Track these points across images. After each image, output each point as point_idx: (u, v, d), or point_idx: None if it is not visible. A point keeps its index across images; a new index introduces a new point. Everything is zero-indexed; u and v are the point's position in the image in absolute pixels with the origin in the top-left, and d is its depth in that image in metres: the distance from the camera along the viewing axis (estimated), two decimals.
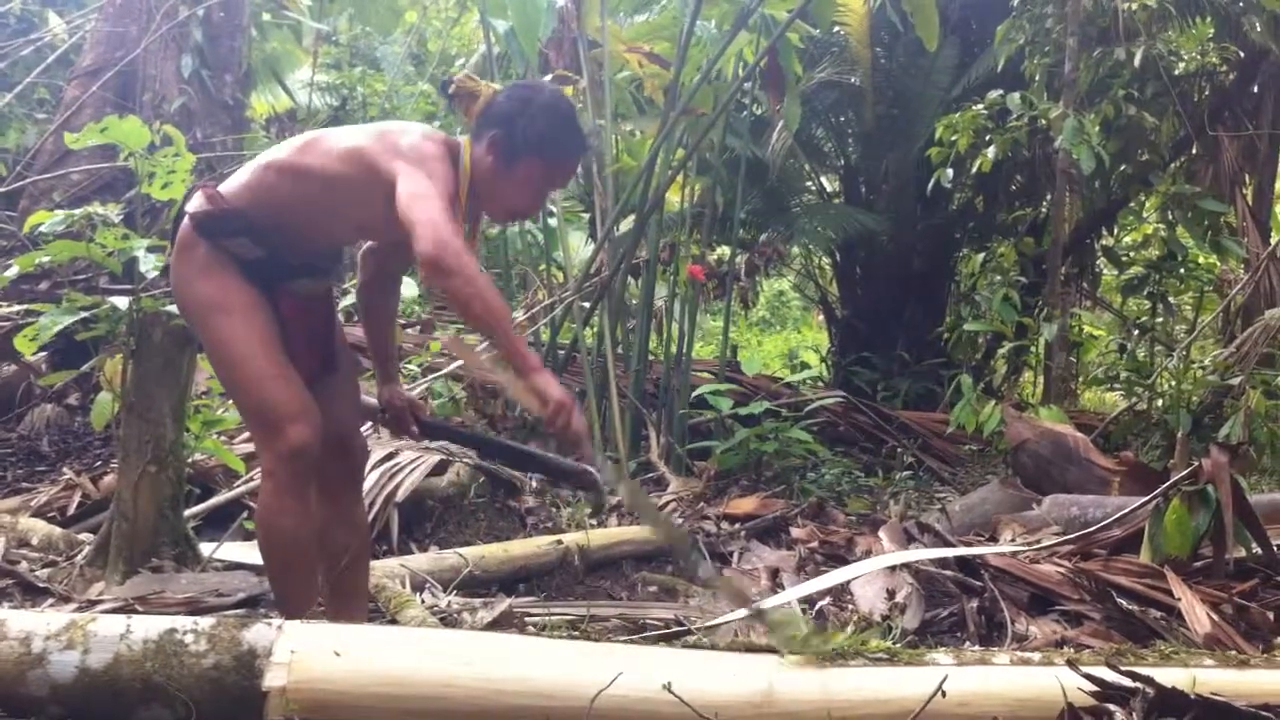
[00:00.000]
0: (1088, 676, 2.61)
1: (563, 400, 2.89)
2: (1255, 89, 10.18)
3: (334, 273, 3.46)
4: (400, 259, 3.59)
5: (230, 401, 3.59)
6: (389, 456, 5.16)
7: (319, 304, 3.36)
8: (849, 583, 4.43)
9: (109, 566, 3.95)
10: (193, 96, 7.81)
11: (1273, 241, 9.41)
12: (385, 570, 4.12)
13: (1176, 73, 9.05)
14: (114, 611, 3.05)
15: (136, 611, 3.15)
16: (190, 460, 4.53)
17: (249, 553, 4.34)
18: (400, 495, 4.95)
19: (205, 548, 4.27)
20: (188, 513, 4.42)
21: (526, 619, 3.91)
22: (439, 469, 5.48)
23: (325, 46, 9.96)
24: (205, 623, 2.60)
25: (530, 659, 2.64)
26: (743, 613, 3.95)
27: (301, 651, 2.51)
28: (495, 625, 3.65)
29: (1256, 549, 4.47)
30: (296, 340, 3.23)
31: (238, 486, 4.99)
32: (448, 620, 3.84)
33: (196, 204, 3.16)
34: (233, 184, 3.21)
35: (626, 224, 7.43)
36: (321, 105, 9.80)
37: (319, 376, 3.28)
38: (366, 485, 4.83)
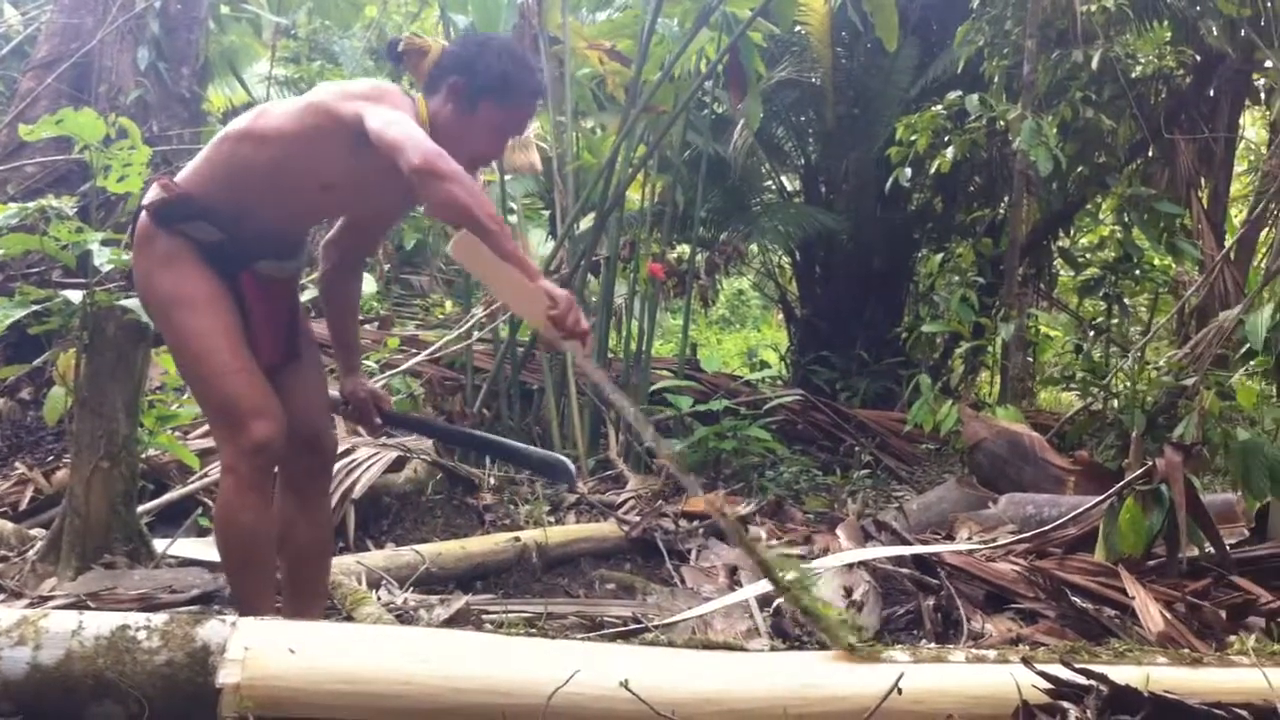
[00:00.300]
0: (1042, 674, 2.62)
1: (570, 297, 2.88)
2: (1211, 92, 10.30)
3: (298, 258, 3.40)
4: (361, 246, 3.58)
5: (189, 396, 3.54)
6: (346, 452, 5.13)
7: (282, 290, 3.32)
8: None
9: (61, 562, 3.90)
10: (149, 89, 7.74)
11: (1227, 244, 9.50)
12: (342, 567, 4.09)
13: (1134, 75, 9.13)
14: (66, 607, 3.02)
15: (89, 608, 3.12)
16: (144, 456, 4.49)
17: (203, 549, 4.31)
18: (357, 491, 4.93)
19: (159, 544, 4.23)
20: (141, 509, 4.37)
21: (484, 616, 3.90)
22: (396, 465, 5.46)
23: (284, 40, 9.89)
24: (158, 619, 2.57)
25: (487, 656, 2.63)
26: (700, 610, 3.96)
27: (255, 648, 2.48)
28: (452, 622, 3.63)
29: (1209, 548, 4.51)
30: (260, 328, 3.19)
31: (192, 482, 4.95)
32: (404, 618, 3.82)
33: (152, 195, 3.13)
34: (186, 171, 3.18)
35: (587, 221, 7.42)
36: (279, 98, 9.74)
37: (282, 367, 3.25)
38: None
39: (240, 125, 3.15)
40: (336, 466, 4.94)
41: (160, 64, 7.81)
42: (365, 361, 6.55)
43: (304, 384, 3.34)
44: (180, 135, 7.85)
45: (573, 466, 3.62)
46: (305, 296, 4.85)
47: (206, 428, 5.67)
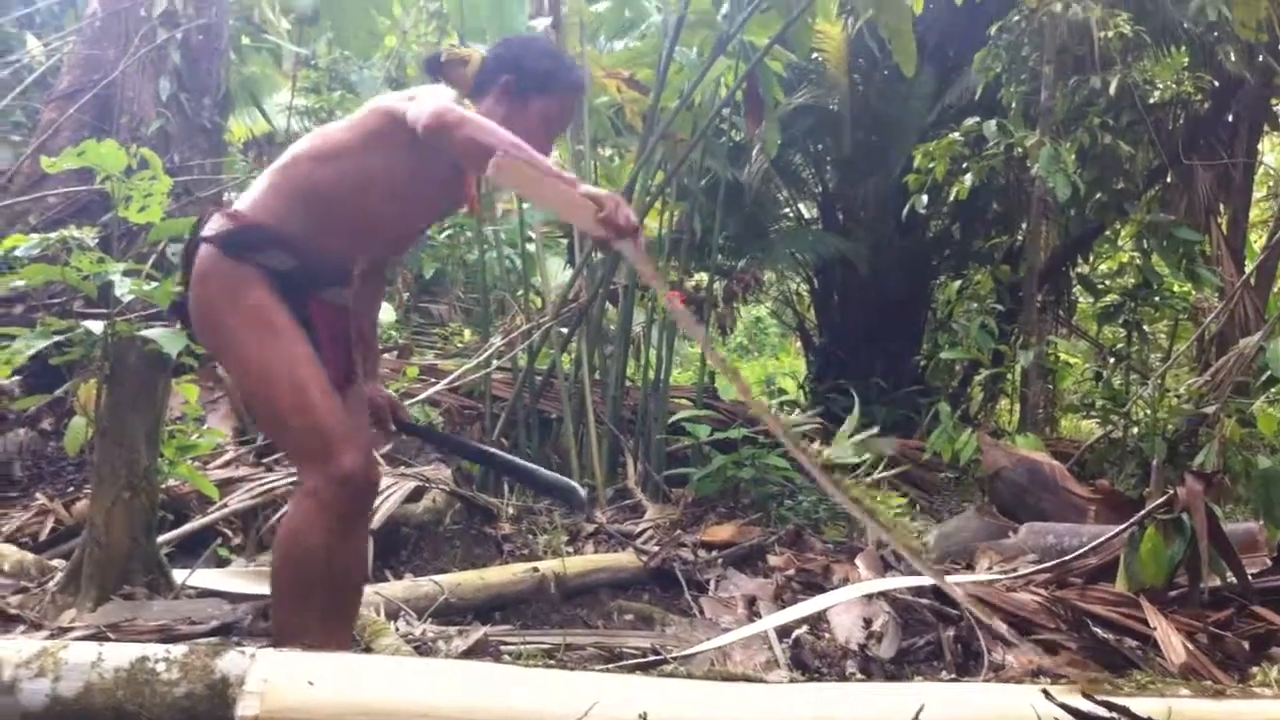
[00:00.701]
0: (1063, 706, 2.60)
1: (616, 197, 2.88)
2: (1230, 118, 10.29)
3: (352, 285, 3.40)
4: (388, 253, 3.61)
5: (208, 426, 3.49)
6: None
7: (344, 315, 3.32)
8: (826, 611, 4.42)
9: (81, 593, 3.90)
10: (170, 120, 7.79)
11: (1247, 270, 9.48)
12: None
13: (1151, 101, 9.13)
14: (86, 639, 3.03)
15: (108, 639, 3.11)
16: (164, 486, 4.50)
17: (222, 580, 4.31)
18: (375, 522, 4.91)
19: (178, 575, 4.23)
20: (161, 539, 4.37)
21: (502, 647, 3.89)
22: (415, 495, 5.46)
23: (304, 70, 9.95)
24: (178, 651, 2.57)
25: (506, 688, 2.62)
26: (718, 642, 3.95)
27: (274, 680, 2.48)
28: (470, 654, 3.63)
29: (1231, 578, 4.48)
30: (327, 353, 3.18)
31: (212, 513, 4.96)
32: (423, 649, 3.82)
33: (216, 226, 3.10)
34: (249, 201, 3.16)
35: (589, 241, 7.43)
36: (300, 128, 9.79)
37: (342, 389, 3.23)
38: None
39: (302, 148, 3.17)
40: None
41: (182, 94, 7.86)
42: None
43: (357, 412, 3.33)
44: (202, 166, 7.89)
45: (584, 492, 3.61)
46: None
47: (227, 458, 5.72)
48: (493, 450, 4.17)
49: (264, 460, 5.79)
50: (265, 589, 4.22)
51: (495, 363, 7.12)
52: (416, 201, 3.26)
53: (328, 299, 3.22)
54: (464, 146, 2.85)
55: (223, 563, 4.67)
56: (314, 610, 3.02)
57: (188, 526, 4.88)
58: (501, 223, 7.79)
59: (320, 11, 8.71)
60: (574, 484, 3.69)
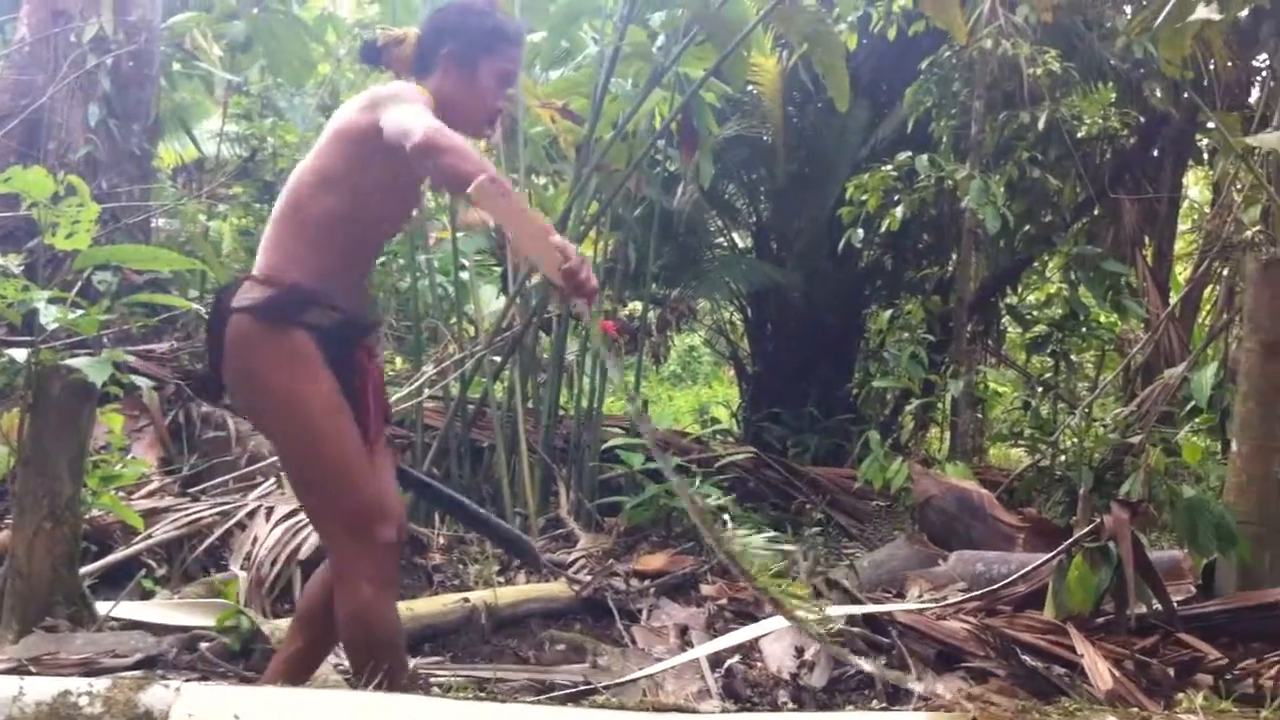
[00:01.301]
0: None
1: (583, 256, 2.84)
2: (1155, 153, 10.50)
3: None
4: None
5: (132, 456, 3.39)
6: (292, 513, 5.07)
7: (378, 359, 3.29)
8: (758, 640, 4.43)
9: (2, 625, 3.83)
10: (99, 146, 7.69)
11: (1172, 302, 9.65)
12: (288, 630, 4.04)
13: (1079, 136, 9.28)
14: (6, 673, 2.96)
15: (30, 673, 3.06)
16: (87, 516, 4.42)
17: (147, 612, 4.24)
18: (304, 553, 4.85)
19: (102, 607, 4.16)
20: (84, 570, 4.30)
21: (431, 679, 3.86)
22: None
23: (236, 97, 9.87)
24: (100, 684, 2.52)
25: None
26: (651, 671, 3.94)
27: (199, 714, 2.44)
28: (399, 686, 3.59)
29: (1157, 605, 4.54)
30: (373, 406, 3.15)
31: (136, 543, 4.88)
32: (352, 681, 3.78)
33: (254, 295, 2.99)
34: (272, 260, 3.06)
35: (538, 278, 7.42)
36: (230, 156, 9.72)
37: (377, 441, 3.18)
38: (269, 543, 4.77)
39: (299, 189, 3.09)
40: (282, 528, 4.92)
41: (111, 120, 7.76)
42: None
43: (385, 463, 3.26)
44: (130, 192, 7.79)
45: (537, 550, 3.61)
46: None
47: (152, 488, 5.64)
48: (459, 498, 4.13)
49: (189, 491, 5.72)
50: (190, 620, 4.18)
51: (427, 391, 7.08)
52: (397, 208, 3.26)
53: (369, 345, 3.19)
54: (450, 172, 2.79)
55: (147, 595, 4.59)
56: (400, 676, 3.04)
57: (111, 557, 4.81)
58: (434, 251, 7.76)
59: (253, 38, 8.64)
60: (528, 539, 3.69)
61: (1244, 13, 8.74)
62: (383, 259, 7.93)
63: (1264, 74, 9.37)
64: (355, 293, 3.18)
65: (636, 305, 10.08)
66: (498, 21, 3.28)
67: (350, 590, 2.98)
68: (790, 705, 3.95)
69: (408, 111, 2.89)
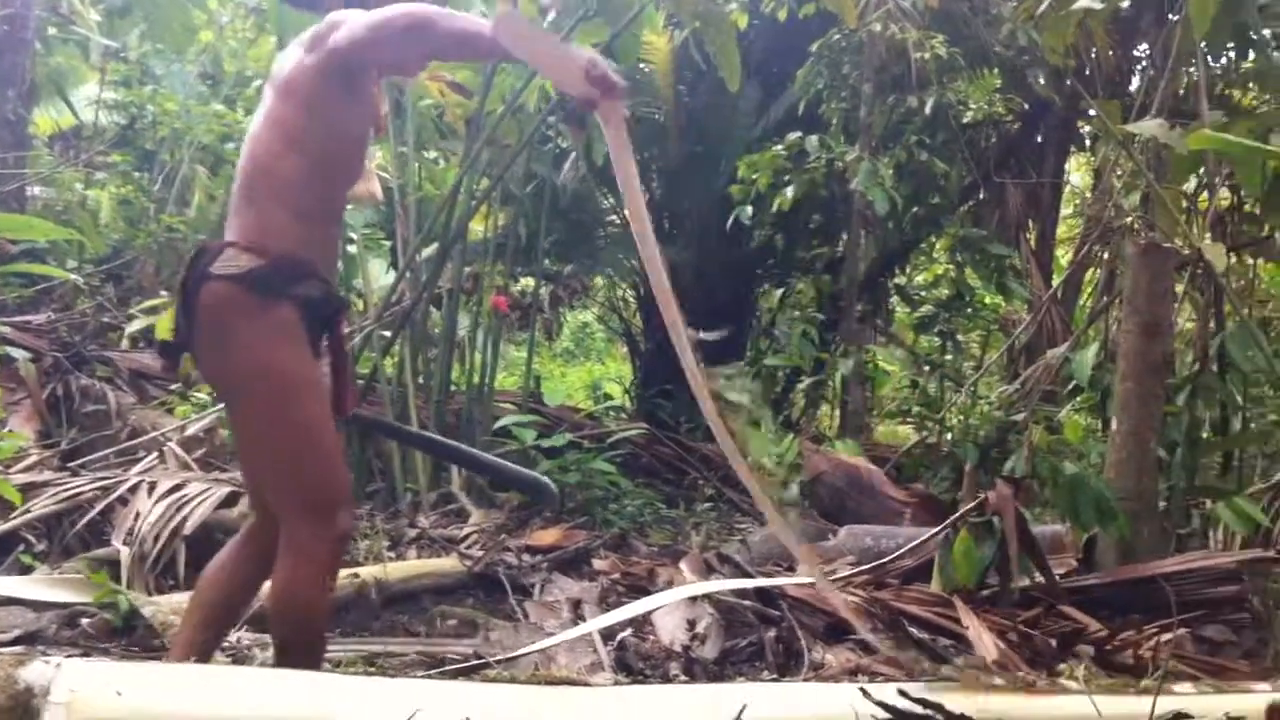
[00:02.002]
0: (880, 704, 2.66)
1: (595, 55, 2.81)
2: (1039, 139, 10.70)
3: None
4: None
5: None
6: (176, 488, 4.98)
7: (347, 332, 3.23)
8: (650, 614, 4.45)
9: None
10: None
11: (1054, 284, 9.85)
12: (172, 606, 3.96)
13: (965, 121, 9.43)
14: None
15: None
16: None
17: (26, 588, 4.13)
18: (188, 528, 4.76)
19: None
20: None
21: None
22: (229, 501, 5.29)
23: (114, 64, 9.61)
24: None
25: (324, 697, 2.56)
26: (543, 645, 3.93)
27: (81, 691, 2.38)
28: None
29: (1040, 578, 4.65)
30: (346, 381, 3.11)
31: (14, 518, 4.74)
32: (238, 658, 3.72)
33: (241, 263, 2.87)
34: (253, 230, 2.94)
35: (429, 252, 7.35)
36: (109, 123, 9.46)
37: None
38: (152, 518, 4.67)
39: (263, 153, 2.98)
40: (166, 503, 4.81)
41: None
42: (203, 395, 6.41)
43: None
44: (4, 159, 7.57)
45: (553, 488, 3.57)
46: None
47: (30, 461, 5.49)
48: (463, 448, 4.04)
49: (69, 465, 5.58)
50: (71, 596, 4.08)
51: None
52: (356, 156, 3.16)
53: (345, 318, 3.14)
54: (454, 37, 2.79)
55: (26, 570, 4.46)
56: (318, 657, 3.00)
57: None
58: None
59: (132, 3, 8.41)
60: (543, 479, 3.63)
61: (1125, 2, 8.97)
62: None
63: (1144, 63, 9.59)
64: (333, 263, 3.13)
65: (529, 281, 10.04)
66: None
67: (293, 569, 2.90)
68: (682, 677, 3.97)
69: (358, 23, 2.82)
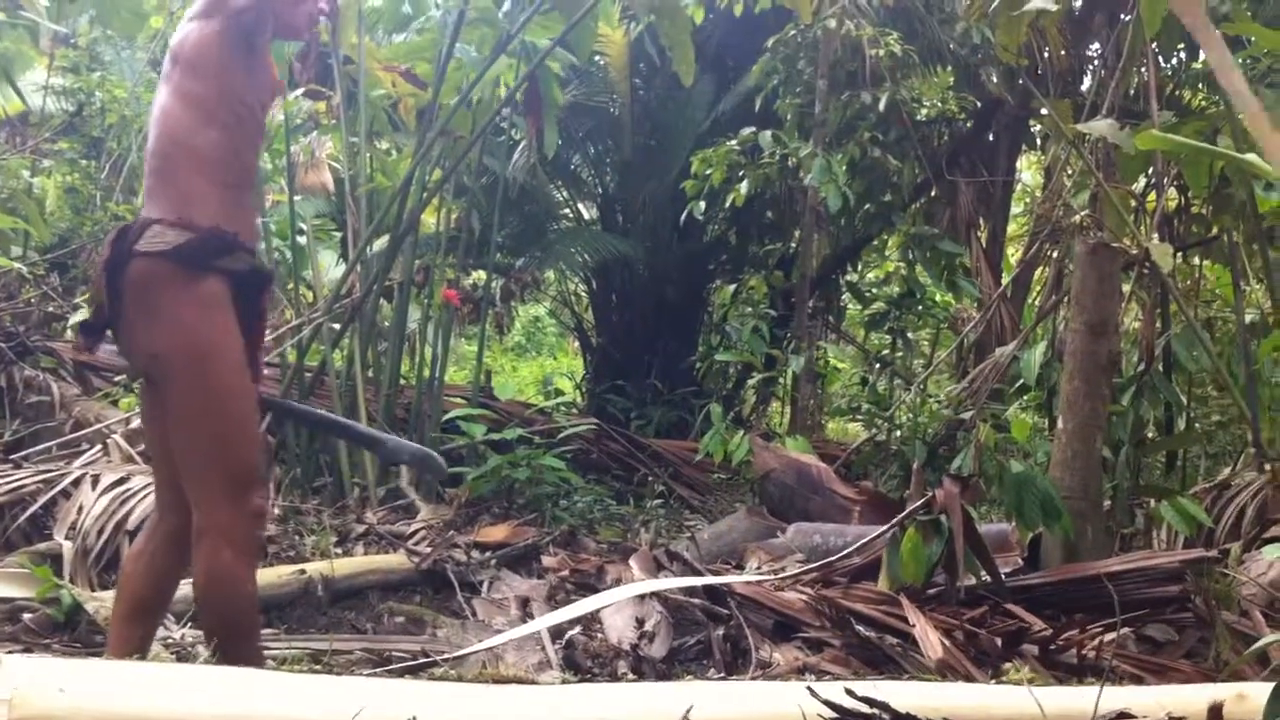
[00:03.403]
0: (827, 703, 2.66)
1: None
2: (991, 137, 10.76)
3: None
4: None
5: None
6: (120, 481, 4.91)
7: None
8: (599, 612, 4.43)
9: None
10: None
11: (1004, 283, 9.91)
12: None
13: (919, 118, 9.47)
14: None
15: None
16: None
17: None
18: (132, 522, 4.70)
19: None
20: None
21: (266, 652, 3.77)
22: None
23: (62, 49, 9.47)
24: None
25: (269, 694, 2.53)
26: (490, 643, 3.91)
27: (23, 688, 2.34)
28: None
29: (986, 577, 4.67)
30: (255, 353, 3.09)
31: None
32: (181, 654, 3.67)
33: (168, 239, 2.86)
34: (176, 204, 2.92)
35: (380, 244, 7.30)
36: (56, 109, 9.32)
37: None
38: (95, 512, 4.61)
39: (175, 128, 2.97)
40: (110, 496, 4.76)
41: None
42: None
43: None
44: None
45: (441, 460, 3.56)
46: None
47: None
48: (348, 422, 3.99)
49: (11, 457, 5.50)
50: (12, 591, 4.02)
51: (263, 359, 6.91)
52: (263, 114, 3.17)
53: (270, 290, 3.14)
54: None
55: None
56: (253, 642, 3.01)
57: None
58: (271, 214, 7.56)
59: None
60: (431, 451, 3.61)
61: (1077, 2, 9.04)
62: None
63: (1095, 63, 9.67)
64: (255, 234, 3.14)
65: (480, 275, 9.98)
66: None
67: (214, 552, 2.89)
68: (630, 676, 3.96)
69: None
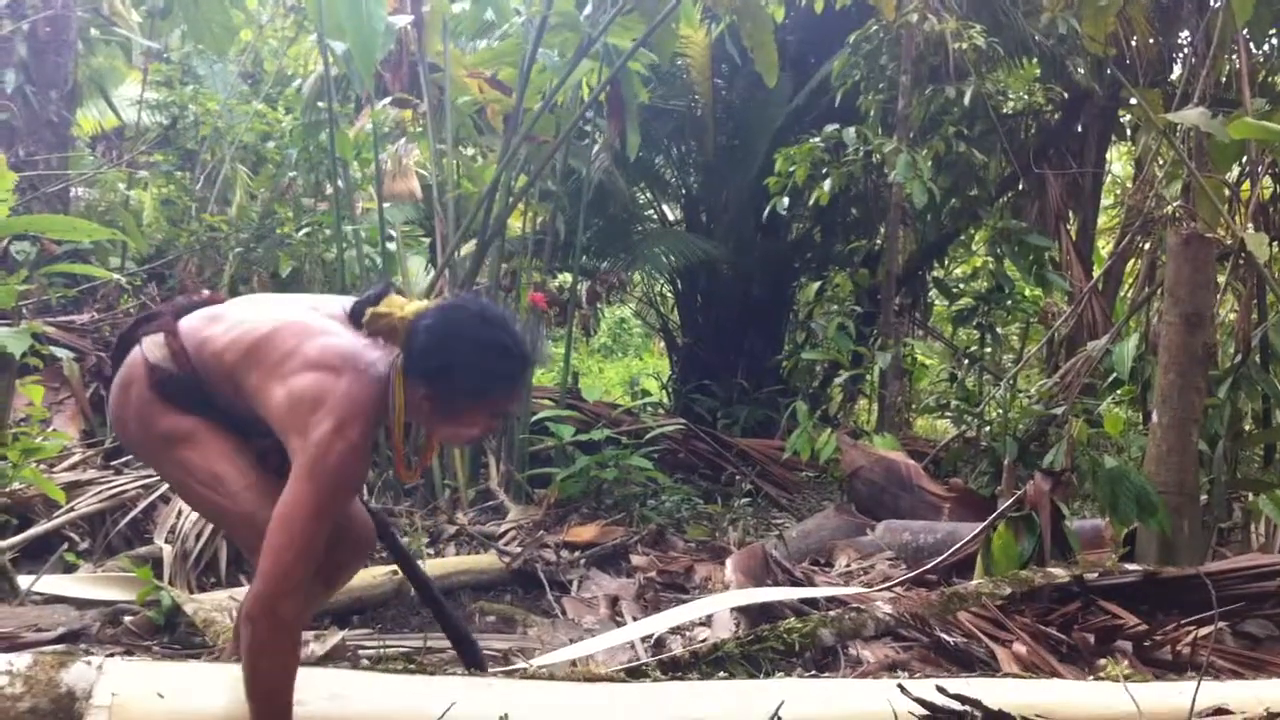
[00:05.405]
0: (918, 700, 2.66)
1: None
2: (1079, 128, 10.62)
3: None
4: None
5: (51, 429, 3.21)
6: None
7: None
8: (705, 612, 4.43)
9: None
10: (15, 113, 7.55)
11: (1094, 276, 9.78)
12: (214, 604, 4.00)
13: (1005, 111, 9.37)
14: None
15: None
16: (8, 490, 4.35)
17: (69, 585, 4.18)
18: None
19: (23, 580, 4.09)
20: (4, 544, 4.24)
21: (361, 652, 3.84)
22: None
23: (155, 64, 9.68)
24: (21, 663, 2.47)
25: (364, 692, 2.59)
26: (582, 650, 3.94)
27: (123, 694, 2.41)
28: (328, 659, 3.57)
29: (1079, 573, 4.61)
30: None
31: (58, 516, 4.80)
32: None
33: (157, 354, 2.85)
34: (193, 335, 2.89)
35: (467, 249, 7.38)
36: (150, 123, 9.53)
37: None
38: (194, 517, 4.71)
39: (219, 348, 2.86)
40: None
41: (28, 87, 7.62)
42: None
43: None
44: (48, 160, 7.65)
45: (482, 653, 3.52)
46: None
47: (75, 460, 5.54)
48: (430, 583, 3.93)
49: (112, 463, 5.63)
50: (113, 594, 4.12)
51: None
52: None
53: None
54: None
55: (70, 568, 4.52)
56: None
57: (33, 531, 4.72)
58: (362, 220, 7.67)
59: (172, 4, 8.48)
60: (477, 645, 3.59)
61: None
62: (309, 229, 7.85)
63: (1185, 51, 9.50)
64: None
65: (566, 277, 10.04)
66: (488, 371, 2.74)
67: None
68: (720, 674, 3.96)
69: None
